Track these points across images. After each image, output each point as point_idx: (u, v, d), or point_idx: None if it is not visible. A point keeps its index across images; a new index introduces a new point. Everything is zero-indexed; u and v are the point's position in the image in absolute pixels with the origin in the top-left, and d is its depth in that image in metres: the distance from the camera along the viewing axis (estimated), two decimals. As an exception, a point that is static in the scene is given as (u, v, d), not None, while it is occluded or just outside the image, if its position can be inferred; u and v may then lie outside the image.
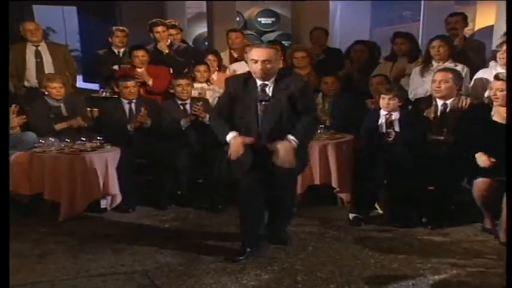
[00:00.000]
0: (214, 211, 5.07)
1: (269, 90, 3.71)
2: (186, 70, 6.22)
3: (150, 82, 5.85)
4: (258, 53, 3.66)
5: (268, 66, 3.64)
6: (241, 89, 3.74)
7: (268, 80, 3.70)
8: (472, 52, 5.61)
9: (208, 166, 5.17)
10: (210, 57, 6.14)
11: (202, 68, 5.83)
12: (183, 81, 5.43)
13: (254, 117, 3.70)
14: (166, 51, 6.20)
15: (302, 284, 3.51)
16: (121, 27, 6.65)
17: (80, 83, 8.55)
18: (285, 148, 3.58)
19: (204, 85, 5.84)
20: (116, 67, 6.29)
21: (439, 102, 4.71)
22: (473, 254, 3.99)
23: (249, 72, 3.81)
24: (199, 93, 5.72)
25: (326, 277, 3.60)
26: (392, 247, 4.10)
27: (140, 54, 5.88)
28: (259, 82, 3.70)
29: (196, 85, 5.76)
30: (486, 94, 4.70)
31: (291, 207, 4.19)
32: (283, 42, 7.84)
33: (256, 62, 3.64)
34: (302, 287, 3.48)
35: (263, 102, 3.69)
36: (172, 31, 6.59)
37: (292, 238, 4.22)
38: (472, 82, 4.97)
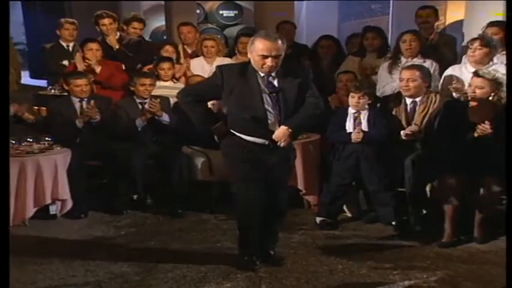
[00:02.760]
0: (174, 216, 5.04)
1: (276, 81, 3.61)
2: (140, 66, 6.14)
3: (98, 69, 5.73)
4: (268, 47, 3.49)
5: (278, 61, 3.54)
6: (237, 79, 3.61)
7: (273, 72, 3.60)
8: (444, 47, 5.72)
9: (167, 168, 5.15)
10: (168, 48, 6.09)
11: (166, 65, 5.71)
12: (147, 81, 5.36)
13: (262, 109, 3.59)
14: (117, 46, 6.11)
15: (267, 293, 3.52)
16: (70, 19, 6.54)
17: (27, 79, 8.38)
18: (282, 130, 3.60)
19: (169, 83, 5.76)
20: (65, 62, 6.17)
21: (408, 101, 4.79)
22: (444, 258, 4.07)
23: (245, 62, 3.72)
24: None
25: (292, 285, 3.62)
26: (361, 252, 4.15)
27: (94, 47, 5.76)
28: (262, 74, 3.59)
29: (160, 83, 5.68)
30: (455, 95, 4.81)
31: (284, 216, 4.13)
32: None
33: (266, 57, 3.50)
34: (267, 295, 3.50)
35: (273, 94, 3.59)
36: (136, 25, 6.52)
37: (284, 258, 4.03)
38: (443, 78, 5.06)
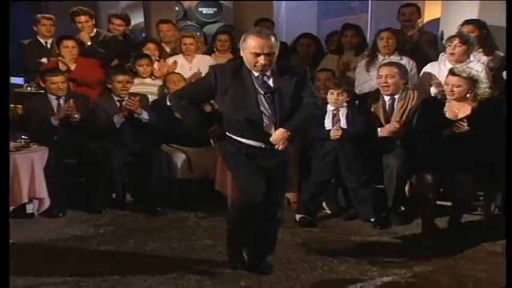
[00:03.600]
0: (153, 214, 5.02)
1: (271, 81, 3.42)
2: (117, 63, 6.10)
3: (73, 67, 5.68)
4: (260, 45, 3.29)
5: (271, 59, 3.35)
6: (231, 79, 3.40)
7: (267, 71, 3.41)
8: (426, 45, 5.77)
9: (145, 166, 5.13)
10: (150, 45, 6.06)
11: (144, 61, 5.70)
12: (123, 78, 5.33)
13: (257, 111, 3.39)
14: (89, 43, 6.06)
15: (246, 290, 3.53)
16: (47, 15, 6.45)
17: (3, 76, 8.20)
18: (280, 132, 3.39)
19: (147, 80, 5.74)
20: (44, 60, 6.09)
21: (386, 98, 4.83)
22: (423, 254, 4.09)
23: (238, 61, 3.51)
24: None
25: (271, 282, 3.62)
26: (340, 248, 4.18)
27: (70, 44, 5.71)
28: (256, 73, 3.40)
29: (138, 80, 5.67)
30: (432, 89, 4.87)
31: (281, 221, 3.83)
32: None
33: (258, 55, 3.31)
34: (246, 293, 3.50)
35: (268, 95, 3.39)
36: (116, 21, 6.47)
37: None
38: (421, 74, 5.11)
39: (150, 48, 6.01)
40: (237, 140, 3.47)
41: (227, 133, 3.50)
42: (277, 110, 3.41)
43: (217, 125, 3.52)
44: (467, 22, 5.10)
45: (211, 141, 3.64)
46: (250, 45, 3.33)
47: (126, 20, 6.93)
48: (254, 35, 3.34)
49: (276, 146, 3.42)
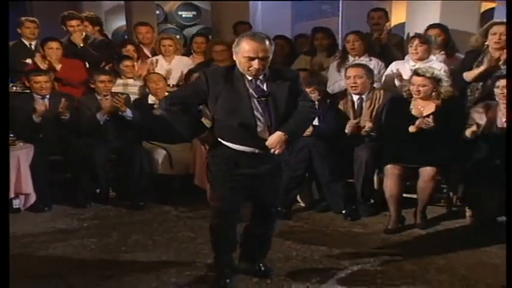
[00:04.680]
0: (136, 208, 4.99)
1: (264, 85, 3.15)
2: (104, 64, 6.04)
3: (58, 67, 5.61)
4: (254, 48, 3.02)
5: (265, 63, 3.08)
6: (223, 83, 3.13)
7: (261, 75, 3.15)
8: (393, 47, 5.80)
9: (128, 162, 5.09)
10: (129, 47, 6.01)
11: (128, 63, 5.68)
12: (105, 77, 5.28)
13: (251, 116, 3.11)
14: (81, 44, 5.99)
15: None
16: (31, 18, 6.35)
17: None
18: (277, 136, 3.13)
19: (130, 81, 5.70)
20: (28, 60, 6.00)
21: (355, 97, 4.86)
22: (389, 243, 4.15)
23: (231, 65, 3.25)
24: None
25: (248, 271, 3.61)
26: (314, 239, 4.18)
27: (54, 46, 5.64)
28: (249, 77, 3.13)
29: (121, 81, 5.63)
30: (396, 81, 4.91)
31: (276, 226, 3.60)
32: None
33: (252, 59, 3.04)
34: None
35: (262, 99, 3.12)
36: (86, 23, 6.39)
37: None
38: (387, 72, 5.16)
39: (130, 50, 5.96)
40: (229, 147, 3.18)
41: (219, 139, 3.21)
42: (272, 114, 3.14)
43: (209, 131, 3.25)
44: (433, 26, 5.16)
45: (203, 148, 3.41)
46: (244, 49, 3.05)
47: (94, 22, 6.79)
48: (248, 38, 3.07)
49: (272, 151, 3.14)
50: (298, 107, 3.22)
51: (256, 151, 3.16)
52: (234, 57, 3.16)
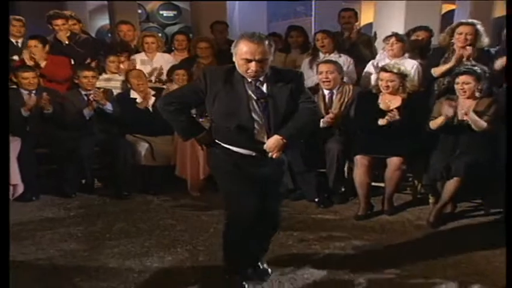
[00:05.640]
0: (120, 198, 4.98)
1: (264, 87, 2.91)
2: (89, 61, 6.00)
3: (43, 64, 5.56)
4: (251, 50, 2.78)
5: (264, 65, 2.83)
6: (222, 84, 2.89)
7: (261, 77, 2.90)
8: (362, 44, 5.88)
9: (112, 154, 5.08)
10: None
11: (115, 58, 5.71)
12: (89, 73, 5.24)
13: (248, 118, 2.89)
14: (66, 42, 5.94)
15: (204, 264, 3.55)
16: (17, 17, 6.27)
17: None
18: (275, 139, 2.91)
19: (116, 75, 5.69)
20: (15, 57, 5.93)
21: (326, 92, 4.92)
22: (359, 228, 4.22)
23: (231, 65, 2.95)
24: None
25: (226, 255, 3.64)
26: (288, 225, 4.20)
27: (33, 44, 5.52)
28: (249, 78, 2.88)
29: (106, 76, 5.63)
30: (373, 83, 4.99)
31: (276, 229, 3.36)
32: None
33: (249, 61, 2.80)
34: (204, 266, 3.52)
35: (261, 101, 2.89)
36: (74, 21, 6.33)
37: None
38: (364, 72, 5.24)
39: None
40: (227, 148, 2.97)
41: (216, 140, 3.01)
42: (271, 117, 2.90)
43: (206, 132, 3.05)
44: (419, 28, 5.37)
45: (201, 148, 3.26)
46: (241, 51, 2.81)
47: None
48: (246, 39, 2.81)
49: (270, 154, 2.94)
50: (299, 109, 2.98)
51: (254, 154, 2.96)
52: (233, 59, 2.91)
